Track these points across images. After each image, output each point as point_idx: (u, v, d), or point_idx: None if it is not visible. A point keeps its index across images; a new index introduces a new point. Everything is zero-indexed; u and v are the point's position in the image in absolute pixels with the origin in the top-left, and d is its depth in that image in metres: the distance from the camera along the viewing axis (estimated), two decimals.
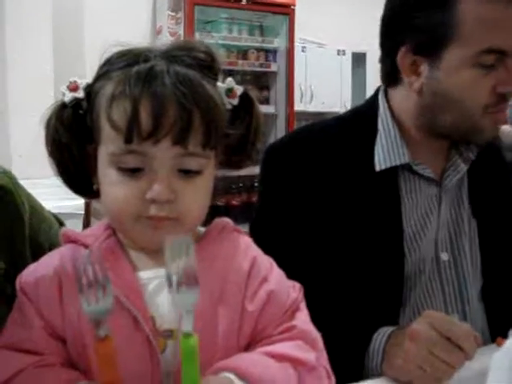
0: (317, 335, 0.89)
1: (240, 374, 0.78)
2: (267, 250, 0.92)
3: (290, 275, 0.92)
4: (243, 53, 5.09)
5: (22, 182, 1.10)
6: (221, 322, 0.83)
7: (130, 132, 0.77)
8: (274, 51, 5.19)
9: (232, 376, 0.78)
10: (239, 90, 0.89)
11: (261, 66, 5.14)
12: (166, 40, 4.46)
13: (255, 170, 1.20)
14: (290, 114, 5.20)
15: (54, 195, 1.43)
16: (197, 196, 0.83)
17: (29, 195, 1.11)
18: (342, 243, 1.17)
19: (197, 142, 0.80)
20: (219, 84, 0.87)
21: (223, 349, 0.82)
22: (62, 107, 0.85)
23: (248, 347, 0.86)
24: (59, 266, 0.86)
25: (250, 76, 5.16)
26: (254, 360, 0.82)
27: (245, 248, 0.90)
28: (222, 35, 4.89)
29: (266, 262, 0.90)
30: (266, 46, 5.17)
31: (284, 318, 0.87)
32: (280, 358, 0.82)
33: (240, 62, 5.02)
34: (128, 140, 0.78)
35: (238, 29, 5.07)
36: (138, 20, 4.56)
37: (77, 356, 0.83)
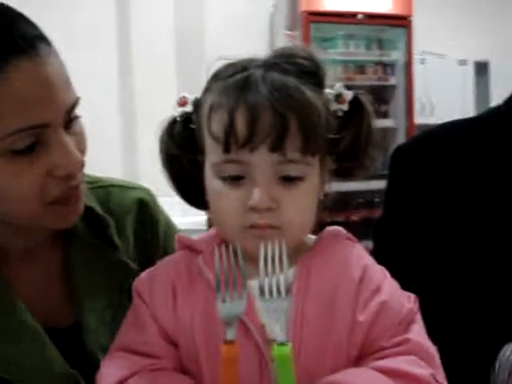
0: (433, 350, 0.85)
1: None
2: (388, 256, 0.90)
3: (409, 283, 0.89)
4: (360, 68, 5.06)
5: None
6: (330, 331, 0.82)
7: (227, 141, 0.79)
8: (392, 64, 5.12)
9: None
10: (349, 95, 0.88)
11: (379, 79, 5.08)
12: None
13: (375, 184, 1.19)
14: (410, 127, 5.10)
15: (176, 211, 1.49)
16: (300, 204, 0.82)
17: (165, 213, 1.18)
18: (476, 249, 1.11)
19: (295, 147, 0.79)
20: (327, 90, 0.87)
21: (333, 358, 0.81)
22: (173, 122, 0.89)
23: (359, 359, 0.83)
24: (174, 271, 0.88)
25: (368, 90, 5.11)
26: (363, 376, 0.80)
27: (357, 257, 0.88)
28: (338, 51, 4.89)
29: (379, 272, 0.88)
30: (384, 59, 5.12)
31: (397, 330, 0.83)
32: (392, 373, 0.79)
33: (358, 76, 4.99)
34: (226, 149, 0.79)
35: (355, 44, 5.05)
36: (255, 39, 4.64)
37: (188, 361, 0.84)
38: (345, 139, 0.87)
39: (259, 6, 4.83)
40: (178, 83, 3.92)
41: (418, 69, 5.26)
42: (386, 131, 4.90)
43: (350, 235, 0.92)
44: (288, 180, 0.81)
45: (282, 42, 4.73)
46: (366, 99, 0.90)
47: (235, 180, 0.82)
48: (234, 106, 0.79)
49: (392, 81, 5.12)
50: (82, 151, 0.92)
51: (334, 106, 0.87)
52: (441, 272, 1.13)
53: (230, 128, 0.79)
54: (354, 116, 0.88)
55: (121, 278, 1.01)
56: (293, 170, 0.81)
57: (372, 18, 4.86)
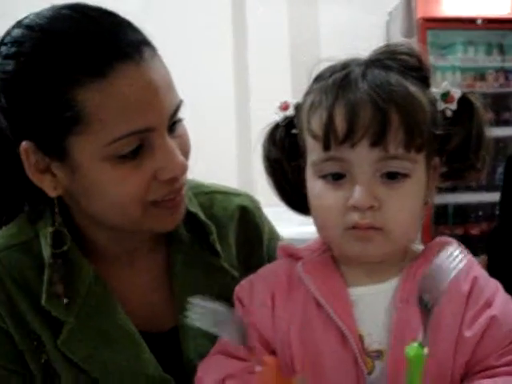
0: None
1: None
2: (502, 267, 0.84)
3: None
4: (481, 74, 4.87)
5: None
6: (434, 349, 0.76)
7: (327, 137, 0.78)
8: None
9: None
10: (457, 93, 0.85)
11: (500, 86, 4.87)
12: None
13: (496, 196, 1.13)
14: None
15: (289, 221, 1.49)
16: (404, 203, 0.79)
17: (269, 221, 1.17)
18: None
19: (397, 143, 0.77)
20: (434, 90, 0.84)
21: (435, 377, 0.77)
22: (275, 127, 0.89)
23: (464, 378, 0.78)
24: (274, 278, 0.88)
25: (489, 98, 4.91)
26: None
27: (466, 268, 0.82)
28: (457, 57, 4.73)
29: (491, 285, 0.83)
30: (506, 65, 4.89)
31: (508, 349, 0.78)
32: None
33: (478, 84, 4.80)
34: (325, 146, 0.78)
35: (475, 50, 4.86)
36: (371, 49, 4.59)
37: (285, 367, 0.82)
38: (454, 138, 0.84)
39: (375, 14, 4.76)
40: (292, 95, 3.94)
41: None
42: (508, 140, 4.69)
43: (460, 245, 0.86)
44: (391, 177, 0.79)
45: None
46: (475, 99, 0.87)
47: (336, 179, 0.80)
48: (332, 103, 0.78)
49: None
50: (186, 154, 0.94)
51: (442, 106, 0.84)
52: None
53: (328, 124, 0.78)
54: (463, 115, 0.85)
55: (221, 285, 1.02)
56: (396, 167, 0.78)
57: (492, 22, 4.65)
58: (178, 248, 1.04)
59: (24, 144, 0.90)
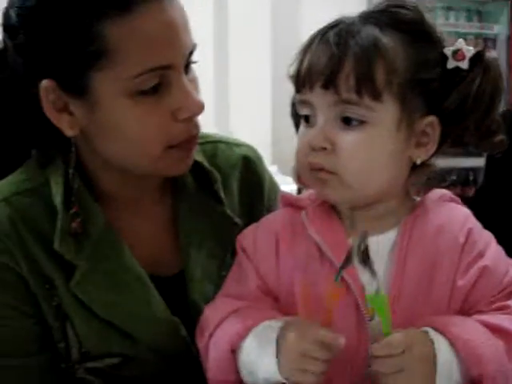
0: None
1: (438, 329, 0.78)
2: (489, 223, 0.87)
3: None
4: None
5: None
6: (430, 294, 0.82)
7: (296, 81, 0.85)
8: (494, 38, 4.93)
9: (429, 329, 0.78)
10: (469, 51, 0.83)
11: None
12: None
13: (471, 162, 1.17)
14: (511, 102, 4.92)
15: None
16: (359, 150, 0.81)
17: (269, 172, 1.21)
18: None
19: (349, 87, 0.80)
20: (448, 48, 0.84)
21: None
22: None
23: None
24: (277, 225, 0.91)
25: None
26: (456, 319, 0.81)
27: (462, 219, 0.87)
28: (438, 23, 4.73)
29: (485, 236, 0.87)
30: (484, 32, 4.93)
31: (498, 296, 0.83)
32: (488, 326, 0.79)
33: None
34: (296, 89, 0.85)
35: (455, 15, 4.89)
36: None
37: (286, 314, 0.86)
38: (450, 98, 0.83)
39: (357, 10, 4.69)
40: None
41: None
42: None
43: (455, 197, 0.91)
44: (347, 122, 0.81)
45: None
46: (492, 57, 0.85)
47: (307, 121, 0.85)
48: (304, 51, 0.85)
49: (493, 55, 4.93)
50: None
51: (452, 63, 0.84)
52: None
53: (298, 69, 0.84)
54: (470, 74, 0.83)
55: (225, 232, 1.05)
56: (351, 112, 0.81)
57: None
58: (183, 195, 1.07)
59: (44, 82, 0.90)
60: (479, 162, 1.23)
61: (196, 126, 0.96)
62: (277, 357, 0.79)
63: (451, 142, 0.88)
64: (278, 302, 0.89)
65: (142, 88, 0.89)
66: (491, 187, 1.20)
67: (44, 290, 0.96)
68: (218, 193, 1.08)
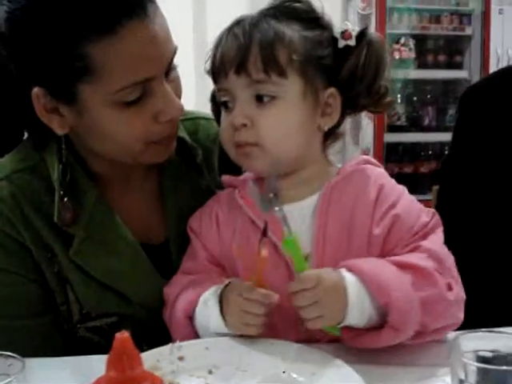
0: (446, 256, 0.93)
1: (348, 267, 0.88)
2: (455, 192, 0.93)
3: (474, 217, 0.91)
4: (436, 17, 4.95)
5: None
6: (350, 247, 0.93)
7: (213, 73, 0.97)
8: (469, 14, 4.98)
9: (341, 268, 0.88)
10: (354, 30, 0.98)
11: (454, 29, 4.97)
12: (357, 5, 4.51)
13: (446, 136, 1.21)
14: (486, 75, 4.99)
15: None
16: (274, 121, 0.94)
17: None
18: None
19: (257, 69, 0.93)
20: (337, 30, 0.98)
21: None
22: None
23: None
24: (217, 206, 1.04)
25: (443, 40, 5.03)
26: (368, 260, 0.91)
27: (374, 178, 0.98)
28: (415, 0, 4.79)
29: (397, 190, 0.98)
30: (460, 9, 4.99)
31: (412, 240, 0.93)
32: (396, 263, 0.88)
33: (432, 26, 4.89)
34: (214, 80, 0.98)
35: None
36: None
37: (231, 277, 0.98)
38: (343, 70, 0.98)
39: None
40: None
41: (495, 20, 5.10)
42: (459, 82, 4.83)
43: (372, 160, 1.03)
44: (260, 100, 0.94)
45: None
46: (375, 35, 0.99)
47: (227, 107, 0.97)
48: (215, 48, 0.97)
49: (468, 31, 4.98)
50: (179, 96, 1.04)
51: (342, 43, 0.98)
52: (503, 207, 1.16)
53: (212, 63, 0.97)
54: (357, 49, 0.98)
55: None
56: (262, 89, 0.94)
57: None
58: (168, 171, 1.16)
59: (35, 90, 0.98)
60: None
61: (175, 125, 1.06)
62: (223, 315, 0.91)
63: (352, 107, 1.02)
64: (224, 270, 1.01)
65: (126, 100, 0.96)
66: (456, 157, 1.26)
67: (46, 257, 1.05)
68: (200, 167, 1.17)
